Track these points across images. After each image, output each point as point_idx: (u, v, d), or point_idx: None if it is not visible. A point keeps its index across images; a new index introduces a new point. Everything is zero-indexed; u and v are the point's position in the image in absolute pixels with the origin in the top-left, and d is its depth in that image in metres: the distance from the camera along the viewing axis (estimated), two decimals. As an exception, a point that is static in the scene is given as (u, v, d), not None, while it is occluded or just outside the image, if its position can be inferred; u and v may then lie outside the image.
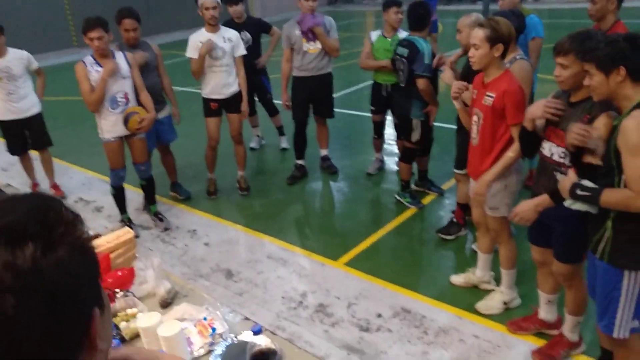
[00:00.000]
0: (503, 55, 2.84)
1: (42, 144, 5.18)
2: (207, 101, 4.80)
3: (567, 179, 2.25)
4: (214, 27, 4.63)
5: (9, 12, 13.10)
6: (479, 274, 3.45)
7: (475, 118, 2.99)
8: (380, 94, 5.01)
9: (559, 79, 2.37)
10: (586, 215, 2.27)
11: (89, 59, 4.04)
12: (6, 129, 5.02)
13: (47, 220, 0.62)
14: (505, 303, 3.22)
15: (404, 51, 4.24)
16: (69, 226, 0.64)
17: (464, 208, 3.99)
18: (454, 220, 4.11)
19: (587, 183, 2.16)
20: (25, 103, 4.89)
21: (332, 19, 5.03)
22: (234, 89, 4.77)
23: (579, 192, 2.17)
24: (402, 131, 4.58)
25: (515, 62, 3.16)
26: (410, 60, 4.17)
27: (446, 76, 3.69)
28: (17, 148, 5.12)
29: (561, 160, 2.44)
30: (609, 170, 2.09)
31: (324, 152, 5.53)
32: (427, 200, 4.78)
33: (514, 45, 3.17)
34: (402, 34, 4.69)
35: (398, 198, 4.73)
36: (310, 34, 4.83)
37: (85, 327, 0.64)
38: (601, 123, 2.22)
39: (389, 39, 4.83)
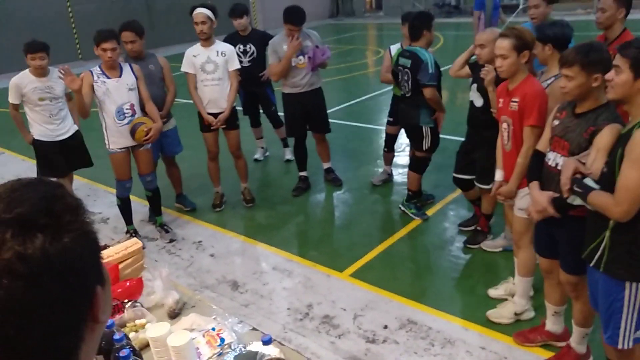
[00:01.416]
0: (527, 61, 2.93)
1: (82, 163, 4.77)
2: (201, 116, 4.78)
3: (573, 161, 2.29)
4: (206, 41, 4.64)
5: (16, 26, 13.26)
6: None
7: (504, 125, 3.06)
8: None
9: (565, 90, 2.39)
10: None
11: (96, 70, 4.09)
12: (43, 151, 4.56)
13: (55, 210, 0.67)
14: (516, 314, 3.19)
15: (406, 62, 4.27)
16: (74, 214, 0.69)
17: (488, 217, 4.09)
18: (479, 229, 4.14)
19: (587, 181, 2.20)
20: (65, 125, 4.55)
21: (315, 32, 5.07)
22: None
23: (575, 187, 2.22)
24: (413, 141, 4.57)
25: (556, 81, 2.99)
26: (414, 71, 4.19)
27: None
28: (54, 172, 4.59)
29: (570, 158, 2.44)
30: (611, 175, 2.10)
31: (326, 165, 5.54)
32: (431, 211, 4.79)
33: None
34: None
35: (402, 209, 4.73)
36: (301, 49, 4.83)
37: (89, 303, 0.70)
38: (606, 134, 2.23)
39: None
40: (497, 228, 4.20)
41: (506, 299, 3.38)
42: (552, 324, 2.96)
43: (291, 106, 5.08)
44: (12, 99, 4.36)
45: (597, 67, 2.29)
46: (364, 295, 3.61)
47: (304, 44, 4.84)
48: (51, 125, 4.46)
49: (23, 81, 4.29)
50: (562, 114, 2.51)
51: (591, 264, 2.26)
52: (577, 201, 2.25)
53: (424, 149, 4.43)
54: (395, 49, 5.02)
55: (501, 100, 3.08)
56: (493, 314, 3.24)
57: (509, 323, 3.18)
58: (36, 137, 4.50)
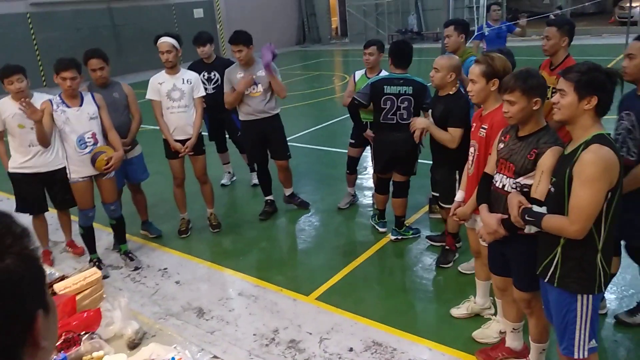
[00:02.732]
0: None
1: (69, 201, 4.44)
2: (167, 143, 4.79)
3: (515, 195, 2.40)
4: (172, 69, 4.67)
5: (-23, 53, 13.01)
6: (480, 301, 3.48)
7: (472, 149, 3.11)
8: (362, 130, 4.91)
9: (508, 114, 2.51)
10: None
11: (56, 99, 4.06)
12: (19, 184, 4.36)
13: None
14: (501, 332, 3.22)
15: (405, 89, 4.20)
16: (17, 238, 0.72)
17: (454, 236, 4.18)
18: (447, 247, 4.22)
19: (536, 209, 2.30)
20: (49, 156, 4.31)
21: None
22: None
23: (526, 217, 2.31)
24: (404, 166, 4.48)
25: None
26: (420, 97, 4.22)
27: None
28: (31, 207, 4.45)
29: (512, 191, 2.54)
30: (559, 196, 2.21)
31: (288, 192, 5.50)
32: (396, 232, 4.86)
33: None
34: (384, 74, 4.65)
35: (399, 237, 4.66)
36: (254, 78, 4.85)
37: (29, 326, 0.72)
38: (548, 156, 2.36)
39: (370, 79, 4.93)
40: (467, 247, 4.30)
41: (469, 317, 3.46)
42: (511, 341, 3.03)
43: (249, 133, 5.10)
44: None
45: (535, 91, 2.44)
46: (329, 319, 3.62)
47: (257, 74, 4.89)
48: (29, 155, 4.25)
49: (2, 106, 4.18)
50: (506, 137, 2.64)
51: (545, 280, 2.35)
52: (533, 229, 2.34)
53: (414, 171, 4.53)
54: (359, 75, 5.10)
55: (474, 124, 3.15)
56: (479, 335, 3.28)
57: (495, 342, 3.20)
58: (11, 170, 4.33)
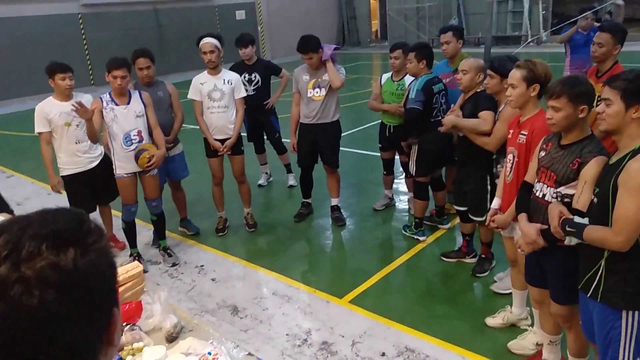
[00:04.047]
0: (540, 95, 2.91)
1: (112, 194, 4.61)
2: (207, 142, 4.88)
3: (556, 205, 2.35)
4: (214, 69, 4.76)
5: (32, 52, 13.61)
6: (516, 311, 3.43)
7: (510, 156, 3.06)
8: (384, 134, 5.18)
9: (551, 121, 2.45)
10: (577, 255, 2.32)
11: (106, 97, 4.22)
12: (73, 185, 4.43)
13: (83, 230, 0.73)
14: (538, 344, 3.15)
15: (442, 85, 4.50)
16: (98, 235, 0.75)
17: (489, 245, 4.15)
18: (483, 256, 4.17)
19: (578, 220, 2.24)
20: (94, 152, 4.46)
21: (342, 68, 5.00)
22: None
23: (567, 228, 2.25)
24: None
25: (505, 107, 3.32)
26: (446, 88, 4.55)
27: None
28: (84, 208, 4.51)
29: (553, 201, 2.49)
30: (603, 206, 2.14)
31: (334, 202, 5.41)
32: (432, 238, 4.82)
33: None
34: (409, 79, 4.72)
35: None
36: (318, 82, 4.86)
37: (108, 323, 0.74)
38: (593, 166, 2.29)
39: (395, 82, 4.96)
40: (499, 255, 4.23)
41: (504, 327, 3.40)
42: (548, 353, 2.96)
43: (302, 136, 5.12)
44: (40, 127, 4.23)
45: (583, 98, 2.37)
46: (362, 322, 3.63)
47: (323, 77, 4.87)
48: (79, 153, 4.36)
49: (47, 106, 4.25)
50: (548, 146, 2.58)
51: (588, 294, 2.27)
52: (574, 241, 2.28)
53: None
54: (385, 78, 5.11)
55: (511, 131, 3.09)
56: (515, 346, 3.22)
57: (531, 354, 3.13)
58: (64, 173, 4.40)
